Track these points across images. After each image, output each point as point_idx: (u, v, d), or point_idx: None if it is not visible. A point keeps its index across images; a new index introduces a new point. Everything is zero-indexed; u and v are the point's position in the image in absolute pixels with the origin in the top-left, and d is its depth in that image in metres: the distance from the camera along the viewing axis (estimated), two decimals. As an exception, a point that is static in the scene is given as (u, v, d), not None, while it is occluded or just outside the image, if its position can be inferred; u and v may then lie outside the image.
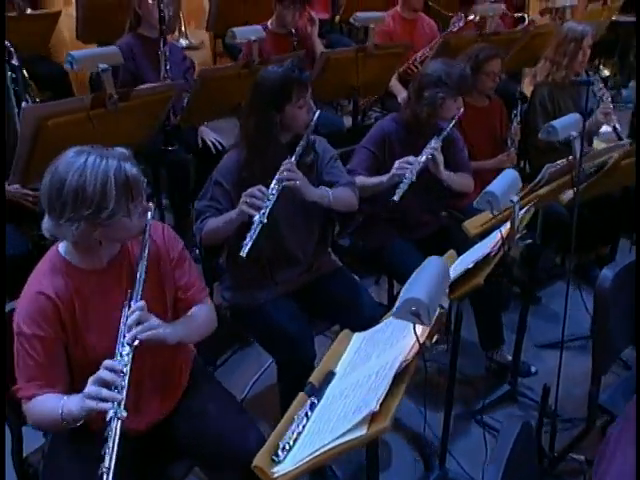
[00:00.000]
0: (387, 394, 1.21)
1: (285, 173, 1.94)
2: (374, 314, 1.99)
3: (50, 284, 1.48)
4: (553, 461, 2.14)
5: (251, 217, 1.90)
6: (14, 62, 2.12)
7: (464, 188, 2.52)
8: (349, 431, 1.19)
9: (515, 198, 1.69)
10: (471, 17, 3.75)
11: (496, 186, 1.66)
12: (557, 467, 2.15)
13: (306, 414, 1.37)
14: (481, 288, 2.49)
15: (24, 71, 2.21)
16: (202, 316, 1.69)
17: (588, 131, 3.18)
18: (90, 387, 1.34)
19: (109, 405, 1.32)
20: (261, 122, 2.04)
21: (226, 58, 4.24)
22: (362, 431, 1.18)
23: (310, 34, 3.54)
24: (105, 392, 1.33)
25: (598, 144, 3.27)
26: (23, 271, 1.58)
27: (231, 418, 1.69)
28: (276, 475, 1.23)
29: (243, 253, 1.87)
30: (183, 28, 4.16)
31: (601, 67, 5.38)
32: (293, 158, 2.01)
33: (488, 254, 1.63)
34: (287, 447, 1.29)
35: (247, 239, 1.88)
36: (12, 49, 2.10)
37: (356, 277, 2.42)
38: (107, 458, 1.31)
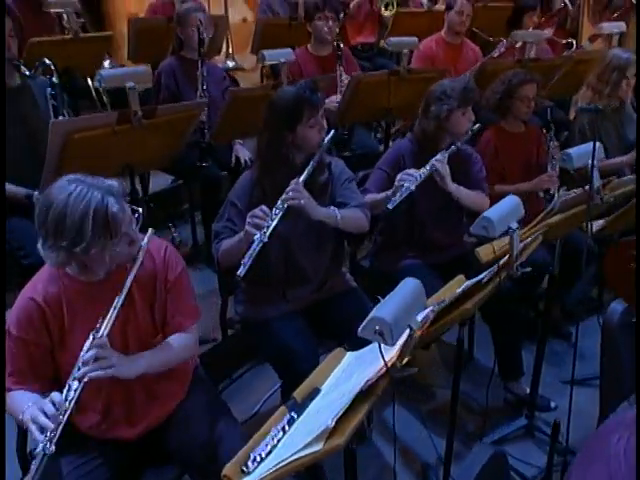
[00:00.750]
0: (348, 412, 1.23)
1: (290, 193, 1.99)
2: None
3: (43, 291, 1.58)
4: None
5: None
6: (54, 80, 2.28)
7: (476, 205, 2.47)
8: (306, 446, 1.21)
9: (514, 225, 1.66)
10: (518, 44, 3.73)
11: (493, 211, 1.65)
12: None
13: (283, 428, 1.40)
14: (502, 317, 2.52)
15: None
16: (176, 347, 1.70)
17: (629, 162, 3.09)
18: (36, 412, 1.42)
19: (41, 439, 1.39)
20: (273, 141, 2.11)
21: (272, 80, 4.37)
22: (318, 447, 1.20)
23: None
24: (45, 422, 1.41)
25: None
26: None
27: (222, 430, 1.71)
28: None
29: (241, 273, 1.91)
30: (230, 50, 4.32)
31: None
32: (301, 178, 2.05)
33: (479, 280, 1.61)
34: (258, 459, 1.32)
35: (246, 258, 1.91)
36: (53, 67, 2.26)
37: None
38: None
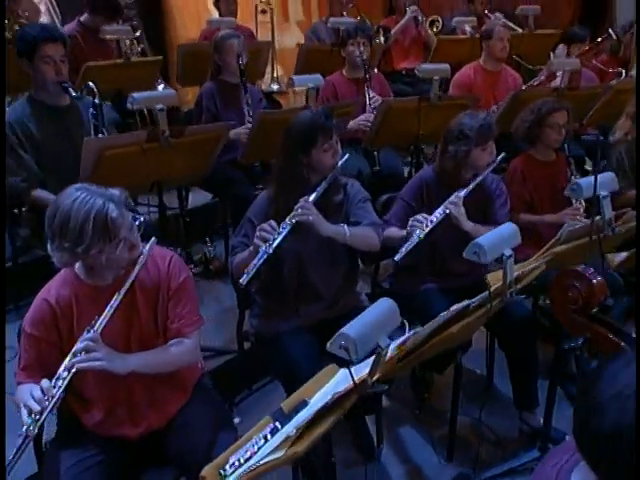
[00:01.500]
0: (314, 423, 1.28)
1: (299, 210, 2.07)
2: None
3: (55, 293, 1.72)
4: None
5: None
6: (96, 101, 2.47)
7: None
8: (270, 453, 1.27)
9: (508, 252, 1.68)
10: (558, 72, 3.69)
11: (485, 238, 1.67)
12: None
13: (265, 436, 1.46)
14: (518, 346, 2.49)
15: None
16: (171, 351, 1.78)
17: None
18: (27, 397, 1.55)
19: (28, 421, 1.52)
20: (288, 162, 2.20)
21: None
22: (280, 454, 1.26)
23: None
24: (31, 403, 1.54)
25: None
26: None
27: (221, 439, 1.77)
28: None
29: (243, 281, 2.00)
30: (276, 74, 4.49)
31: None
32: (311, 197, 2.13)
33: (467, 305, 1.63)
34: (236, 464, 1.39)
35: (249, 267, 2.01)
36: (95, 89, 2.45)
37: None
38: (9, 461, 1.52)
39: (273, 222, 2.06)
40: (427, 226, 2.33)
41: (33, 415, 1.52)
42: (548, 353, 2.78)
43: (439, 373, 2.72)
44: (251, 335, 2.42)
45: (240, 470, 1.35)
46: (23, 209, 2.94)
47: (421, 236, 2.29)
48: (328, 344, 1.28)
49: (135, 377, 1.76)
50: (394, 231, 2.46)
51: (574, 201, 2.86)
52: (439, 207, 2.42)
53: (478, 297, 1.68)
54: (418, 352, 1.62)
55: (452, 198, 2.41)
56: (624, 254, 2.45)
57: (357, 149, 3.45)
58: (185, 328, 1.81)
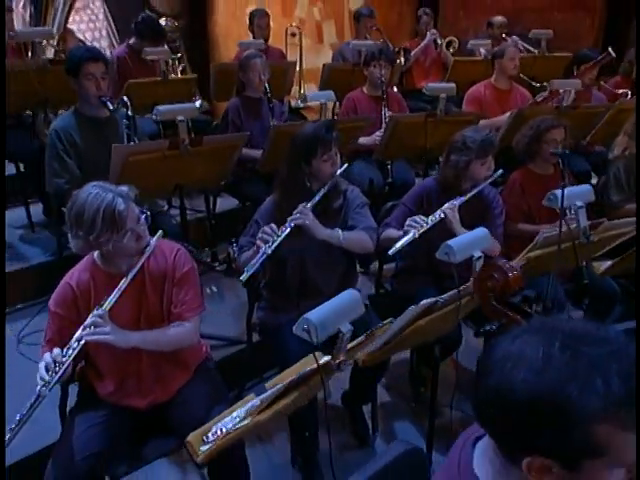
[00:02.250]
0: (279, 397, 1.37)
1: (297, 214, 2.17)
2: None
3: (77, 278, 1.86)
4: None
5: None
6: (129, 113, 2.64)
7: (488, 251, 2.49)
8: (240, 420, 1.37)
9: (477, 254, 1.73)
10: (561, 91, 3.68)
11: (456, 240, 1.73)
12: None
13: (246, 410, 1.56)
14: None
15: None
16: (171, 332, 1.89)
17: None
18: (42, 364, 1.68)
19: (40, 383, 1.65)
20: (291, 171, 2.30)
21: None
22: (247, 421, 1.35)
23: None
24: (42, 372, 1.67)
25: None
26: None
27: (215, 409, 1.83)
28: (200, 452, 1.44)
29: (243, 278, 2.09)
30: (302, 91, 4.62)
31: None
32: (309, 203, 2.22)
33: (436, 301, 1.69)
34: (218, 433, 1.49)
35: (249, 266, 2.10)
36: (128, 103, 2.61)
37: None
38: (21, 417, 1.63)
39: (274, 225, 2.15)
40: (422, 227, 2.37)
41: (46, 378, 1.65)
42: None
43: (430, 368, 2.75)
44: (257, 326, 2.52)
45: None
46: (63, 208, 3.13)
47: (416, 235, 2.32)
48: (294, 327, 1.36)
49: (144, 355, 1.89)
50: (392, 232, 2.51)
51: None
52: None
53: (447, 294, 1.73)
54: (394, 342, 1.69)
55: (448, 204, 2.45)
56: (609, 262, 2.46)
57: (371, 161, 3.54)
58: (186, 313, 1.92)
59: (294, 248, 2.31)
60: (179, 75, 4.12)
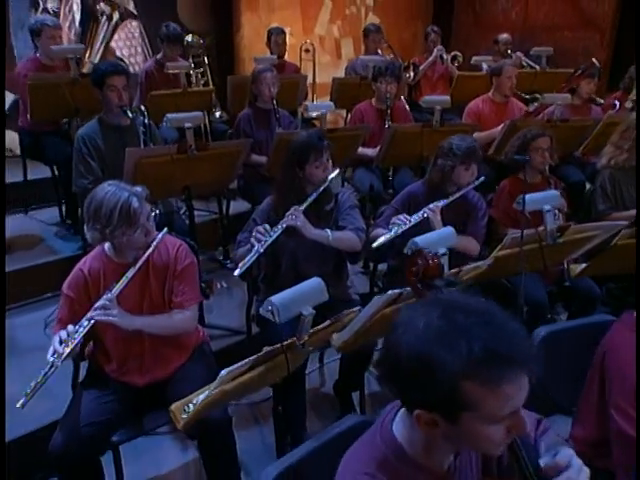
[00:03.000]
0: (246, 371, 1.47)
1: (289, 216, 2.27)
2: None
3: (89, 265, 1.99)
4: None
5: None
6: (146, 121, 2.79)
7: (466, 250, 2.57)
8: (209, 390, 1.47)
9: (442, 250, 1.80)
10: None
11: (422, 237, 1.80)
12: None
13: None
14: None
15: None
16: (173, 318, 2.01)
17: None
18: (56, 337, 1.79)
19: (52, 353, 1.76)
20: (286, 175, 2.41)
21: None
22: (215, 390, 1.46)
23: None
24: (56, 345, 1.77)
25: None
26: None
27: None
28: (181, 419, 1.56)
29: (237, 273, 2.19)
30: (314, 102, 4.74)
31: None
32: (301, 206, 2.32)
33: (401, 293, 1.76)
34: (196, 403, 1.60)
35: (243, 262, 2.20)
36: (145, 112, 2.77)
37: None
38: (35, 383, 1.72)
39: (267, 226, 2.26)
40: (405, 224, 2.45)
41: (60, 350, 1.77)
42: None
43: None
44: (254, 317, 2.63)
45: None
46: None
47: (398, 231, 2.39)
48: (261, 309, 1.47)
49: (146, 338, 2.01)
50: (380, 231, 2.60)
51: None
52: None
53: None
54: (363, 329, 1.77)
55: (432, 205, 2.53)
56: (584, 265, 2.49)
57: (373, 169, 3.64)
58: (185, 302, 2.03)
59: (288, 246, 2.42)
60: (201, 87, 4.28)
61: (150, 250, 1.96)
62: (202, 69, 4.29)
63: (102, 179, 2.92)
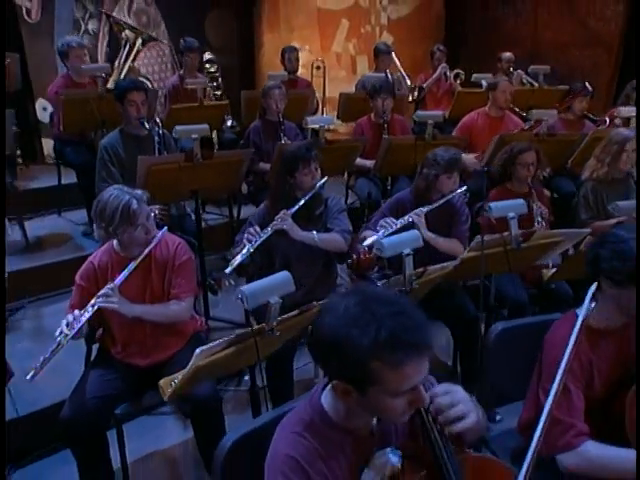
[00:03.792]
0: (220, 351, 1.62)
1: (278, 219, 2.42)
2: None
3: (99, 259, 2.17)
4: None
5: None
6: (160, 132, 2.99)
7: (451, 250, 2.64)
8: (189, 368, 1.62)
9: (407, 251, 1.91)
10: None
11: (388, 239, 1.92)
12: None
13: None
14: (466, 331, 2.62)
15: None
16: (169, 308, 2.16)
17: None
18: (63, 321, 1.96)
19: (59, 333, 1.92)
20: (279, 182, 2.57)
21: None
22: (190, 368, 1.60)
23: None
24: (63, 326, 1.94)
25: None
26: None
27: None
28: (167, 392, 1.72)
29: (228, 270, 2.34)
30: (325, 115, 4.90)
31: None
32: (290, 210, 2.46)
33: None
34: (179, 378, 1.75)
35: (234, 260, 2.36)
36: (160, 123, 2.97)
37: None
38: (43, 358, 1.89)
39: (257, 228, 2.42)
40: (392, 227, 2.55)
41: (65, 331, 1.94)
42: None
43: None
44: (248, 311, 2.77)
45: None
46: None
47: (385, 234, 2.48)
48: (234, 297, 1.61)
49: (147, 326, 2.17)
50: (368, 233, 2.71)
51: (535, 224, 2.98)
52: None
53: (381, 282, 1.92)
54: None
55: (417, 210, 2.64)
56: (554, 269, 2.57)
57: (372, 178, 3.78)
58: (181, 294, 2.19)
59: (281, 247, 2.56)
60: (215, 101, 4.48)
61: (151, 246, 2.13)
62: (216, 84, 4.49)
63: (121, 183, 3.19)
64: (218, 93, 4.51)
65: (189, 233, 3.10)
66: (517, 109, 4.13)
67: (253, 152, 3.62)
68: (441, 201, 2.68)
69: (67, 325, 1.96)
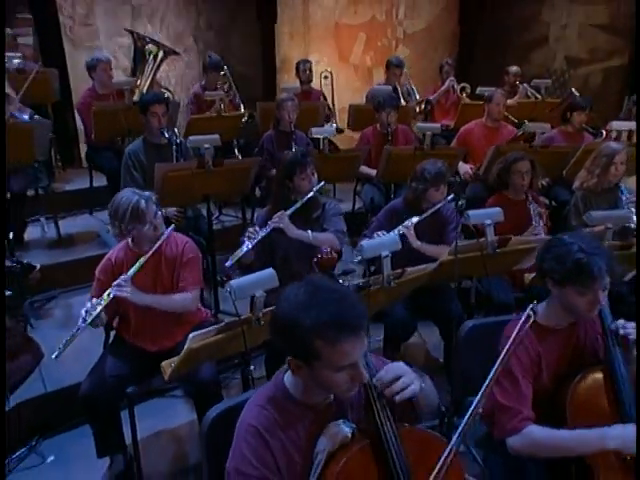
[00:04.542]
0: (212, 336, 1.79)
1: (275, 219, 2.59)
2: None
3: (115, 255, 2.36)
4: None
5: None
6: (178, 141, 3.20)
7: (438, 257, 2.77)
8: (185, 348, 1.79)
9: (385, 253, 2.05)
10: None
11: (368, 242, 2.06)
12: None
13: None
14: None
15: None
16: (176, 298, 2.32)
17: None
18: (83, 308, 2.16)
19: (79, 318, 2.13)
20: (279, 186, 2.73)
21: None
22: (186, 350, 1.78)
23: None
24: (83, 312, 2.14)
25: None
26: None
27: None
28: (167, 372, 1.89)
29: (228, 264, 2.50)
30: (336, 125, 5.05)
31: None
32: (288, 211, 2.62)
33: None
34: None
35: (233, 256, 2.52)
36: (177, 132, 3.17)
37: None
38: (66, 340, 2.09)
39: (257, 227, 2.59)
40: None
41: (84, 317, 2.14)
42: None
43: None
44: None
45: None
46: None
47: None
48: (223, 290, 1.78)
49: (158, 314, 2.34)
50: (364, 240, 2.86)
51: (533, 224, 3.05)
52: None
53: (365, 279, 2.06)
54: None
55: (406, 222, 2.75)
56: (533, 274, 2.65)
57: (376, 184, 3.93)
58: (188, 286, 2.37)
59: (281, 245, 2.73)
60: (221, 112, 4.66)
61: (160, 242, 2.32)
62: (231, 96, 4.70)
63: (143, 187, 3.40)
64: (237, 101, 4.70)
65: (202, 233, 3.31)
66: (511, 117, 4.21)
67: (266, 159, 3.84)
68: (429, 211, 2.78)
69: (86, 312, 2.17)
